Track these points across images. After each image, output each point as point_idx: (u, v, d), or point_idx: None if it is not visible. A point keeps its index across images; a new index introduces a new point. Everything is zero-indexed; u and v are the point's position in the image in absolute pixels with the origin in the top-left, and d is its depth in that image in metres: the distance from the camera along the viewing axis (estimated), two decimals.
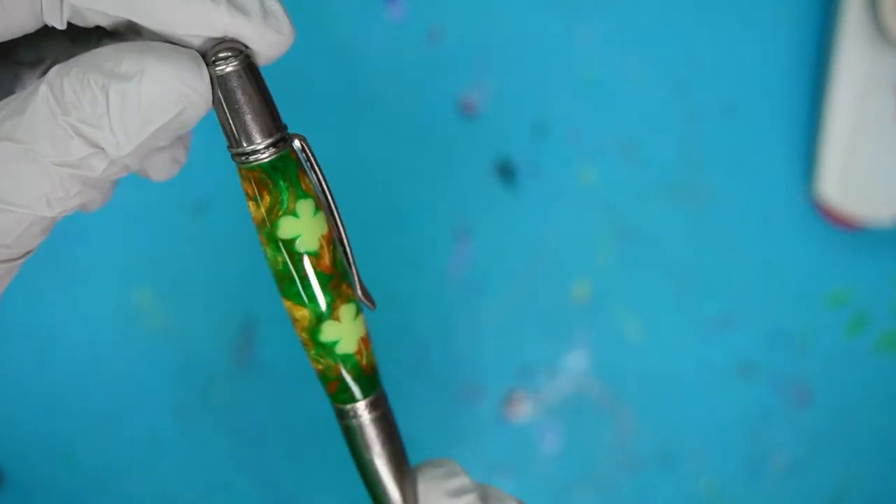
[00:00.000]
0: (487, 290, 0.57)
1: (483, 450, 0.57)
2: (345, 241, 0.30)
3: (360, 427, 0.32)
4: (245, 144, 0.27)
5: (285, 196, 0.27)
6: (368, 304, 0.31)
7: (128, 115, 0.24)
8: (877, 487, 0.58)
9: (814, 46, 0.58)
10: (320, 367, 0.30)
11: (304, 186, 0.28)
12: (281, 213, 0.28)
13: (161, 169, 0.31)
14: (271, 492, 0.56)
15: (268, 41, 0.26)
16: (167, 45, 0.25)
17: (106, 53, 0.25)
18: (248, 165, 0.27)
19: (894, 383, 0.58)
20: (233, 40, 0.26)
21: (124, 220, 0.55)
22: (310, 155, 0.29)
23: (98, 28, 0.27)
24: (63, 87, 0.24)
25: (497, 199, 0.57)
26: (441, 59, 0.57)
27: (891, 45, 0.55)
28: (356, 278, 0.30)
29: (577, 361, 0.58)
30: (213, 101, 0.26)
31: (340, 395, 0.31)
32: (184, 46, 0.26)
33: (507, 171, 0.57)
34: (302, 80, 0.56)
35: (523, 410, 0.57)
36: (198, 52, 0.26)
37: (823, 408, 0.58)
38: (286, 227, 0.28)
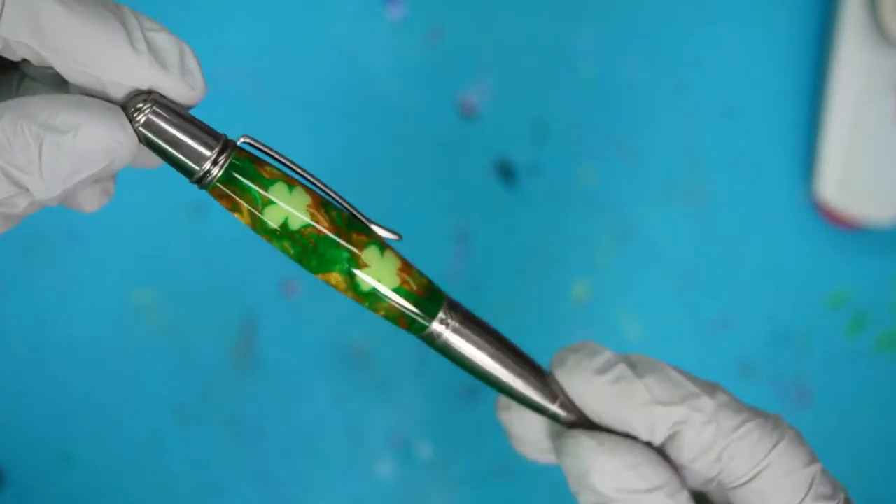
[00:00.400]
0: (487, 290, 0.57)
1: (482, 450, 0.57)
2: (334, 196, 0.30)
3: (447, 342, 0.31)
4: (196, 169, 0.28)
5: (254, 192, 0.28)
6: (392, 236, 0.31)
7: (59, 164, 0.26)
8: (877, 487, 0.58)
9: (814, 47, 0.58)
10: (381, 312, 0.30)
11: (267, 175, 0.29)
12: (260, 207, 0.29)
13: (91, 201, 0.32)
14: (271, 492, 0.56)
15: (181, 95, 0.28)
16: (97, 101, 0.27)
17: (40, 104, 0.26)
18: (210, 185, 0.28)
19: (894, 383, 0.58)
20: (147, 91, 0.27)
21: (124, 221, 0.55)
22: (259, 145, 0.30)
23: (19, 72, 0.29)
24: None
25: (497, 199, 0.57)
26: (441, 59, 0.57)
27: (890, 46, 0.55)
28: (364, 221, 0.30)
29: None
30: (147, 146, 0.28)
31: (414, 327, 0.31)
32: (102, 94, 0.27)
33: (507, 171, 0.57)
34: (302, 80, 0.56)
35: None
36: (119, 104, 0.27)
37: (823, 408, 0.58)
38: (272, 216, 0.29)
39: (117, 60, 0.26)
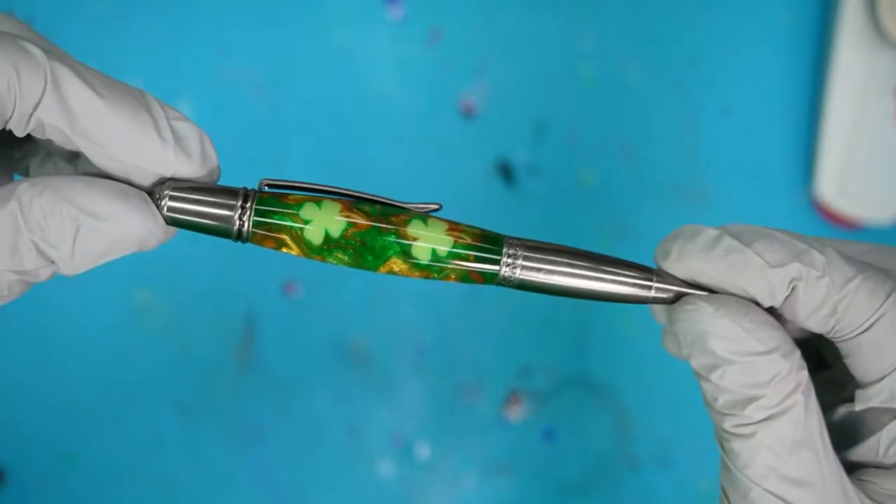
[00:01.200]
0: (487, 290, 0.57)
1: (483, 450, 0.57)
2: (363, 196, 0.31)
3: (524, 279, 0.32)
4: (230, 229, 0.30)
5: (288, 222, 0.30)
6: (431, 206, 0.32)
7: (92, 247, 0.28)
8: None
9: (812, 48, 0.58)
10: (453, 277, 0.31)
11: (292, 201, 0.30)
12: (299, 233, 0.30)
13: None
14: (271, 491, 0.56)
15: (200, 179, 0.30)
16: (134, 191, 0.28)
17: (80, 188, 0.27)
18: (248, 237, 0.30)
19: None
20: (170, 179, 0.29)
21: None
22: (279, 182, 0.31)
23: (34, 142, 0.31)
24: (33, 207, 0.27)
25: (497, 198, 0.57)
26: (441, 59, 0.57)
27: (889, 47, 0.55)
28: (399, 205, 0.32)
29: (576, 361, 0.58)
30: (177, 226, 0.30)
31: (486, 278, 0.32)
32: (125, 177, 0.29)
33: (507, 171, 0.57)
34: (302, 80, 0.56)
35: (523, 410, 0.58)
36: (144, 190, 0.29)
37: None
38: (313, 235, 0.30)
39: (146, 149, 0.28)
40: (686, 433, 0.58)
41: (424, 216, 0.31)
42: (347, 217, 0.30)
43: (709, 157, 0.58)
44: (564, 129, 0.57)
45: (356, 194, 0.31)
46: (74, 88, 0.27)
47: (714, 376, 0.30)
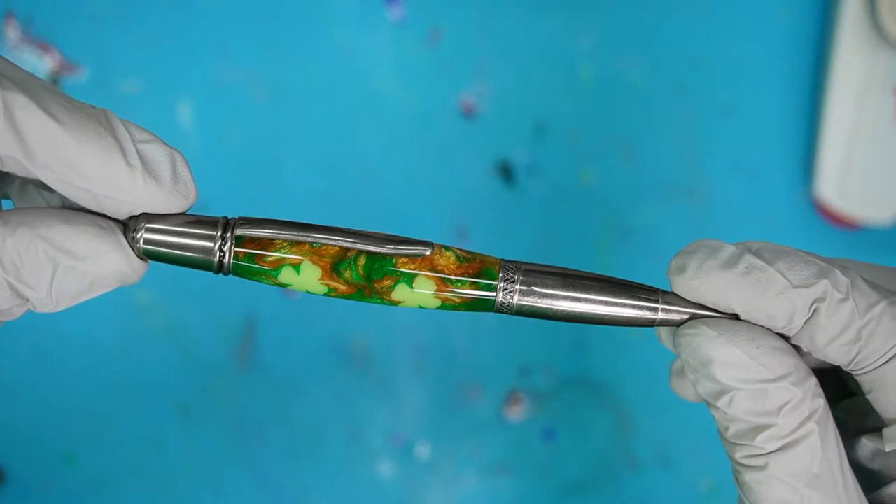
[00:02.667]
0: None
1: (483, 450, 0.57)
2: (345, 239, 0.29)
3: (521, 307, 0.30)
4: (214, 261, 0.29)
5: (267, 281, 0.29)
6: (421, 249, 0.30)
7: (70, 287, 0.26)
8: None
9: (812, 47, 0.58)
10: (458, 306, 0.30)
11: (270, 266, 0.29)
12: (282, 286, 0.29)
13: None
14: (271, 491, 0.56)
15: (174, 205, 0.28)
16: (114, 226, 0.27)
17: (56, 226, 0.26)
18: (230, 269, 0.29)
19: None
20: (144, 214, 0.28)
21: None
22: (254, 232, 0.29)
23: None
24: (6, 246, 0.26)
25: (497, 199, 0.57)
26: (441, 59, 0.57)
27: (889, 46, 0.55)
28: (389, 253, 0.29)
29: (576, 361, 0.58)
30: (155, 260, 0.28)
31: (480, 306, 0.30)
32: (96, 207, 0.27)
33: (507, 171, 0.57)
34: (303, 80, 0.56)
35: (523, 410, 0.58)
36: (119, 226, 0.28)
37: None
38: (295, 290, 0.30)
39: (112, 176, 0.26)
40: (686, 433, 0.58)
41: (411, 277, 0.29)
42: (327, 286, 0.29)
43: (709, 157, 0.58)
44: (564, 129, 0.57)
45: (339, 239, 0.29)
46: (30, 116, 0.25)
47: (721, 403, 0.28)
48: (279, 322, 0.56)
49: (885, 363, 0.28)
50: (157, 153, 0.27)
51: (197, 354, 0.56)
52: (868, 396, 0.29)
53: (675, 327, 0.30)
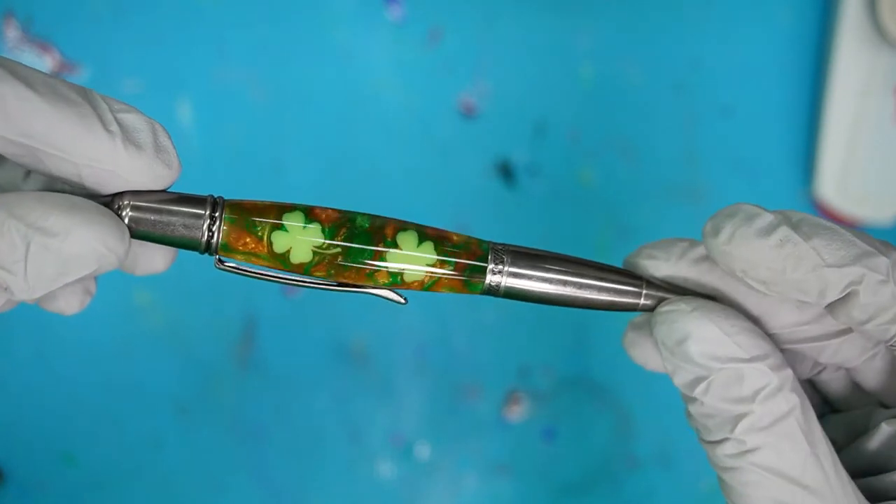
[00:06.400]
0: None
1: (483, 450, 0.57)
2: (323, 286, 0.30)
3: (509, 289, 0.30)
4: (202, 238, 0.28)
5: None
6: (396, 299, 0.30)
7: (45, 267, 0.25)
8: None
9: (813, 47, 0.58)
10: (447, 287, 0.30)
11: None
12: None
13: (72, 302, 0.31)
14: (271, 491, 0.56)
15: (156, 174, 0.27)
16: (91, 204, 0.26)
17: (29, 203, 0.25)
18: (219, 247, 0.28)
19: None
20: (131, 192, 0.27)
21: None
22: (234, 269, 0.29)
23: None
24: None
25: (497, 198, 0.57)
26: (441, 59, 0.57)
27: (889, 46, 0.55)
28: (363, 290, 0.30)
29: (576, 361, 0.58)
30: (143, 239, 0.27)
31: (471, 287, 0.30)
32: (77, 179, 0.26)
33: (507, 171, 0.57)
34: (303, 80, 0.56)
35: (523, 410, 0.58)
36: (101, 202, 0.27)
37: None
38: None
39: (91, 144, 0.26)
40: (686, 433, 0.58)
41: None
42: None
43: (709, 156, 0.58)
44: (564, 129, 0.57)
45: (312, 284, 0.29)
46: (7, 86, 0.25)
47: (698, 392, 0.28)
48: (279, 322, 0.56)
49: None
50: (137, 122, 0.27)
51: (197, 354, 0.56)
52: None
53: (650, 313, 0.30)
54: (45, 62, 0.54)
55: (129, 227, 0.27)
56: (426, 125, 0.57)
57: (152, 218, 0.27)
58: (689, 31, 0.58)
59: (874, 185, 0.57)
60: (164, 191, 0.28)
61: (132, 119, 0.27)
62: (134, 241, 0.28)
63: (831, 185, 0.56)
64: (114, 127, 0.26)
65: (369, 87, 0.57)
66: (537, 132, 0.57)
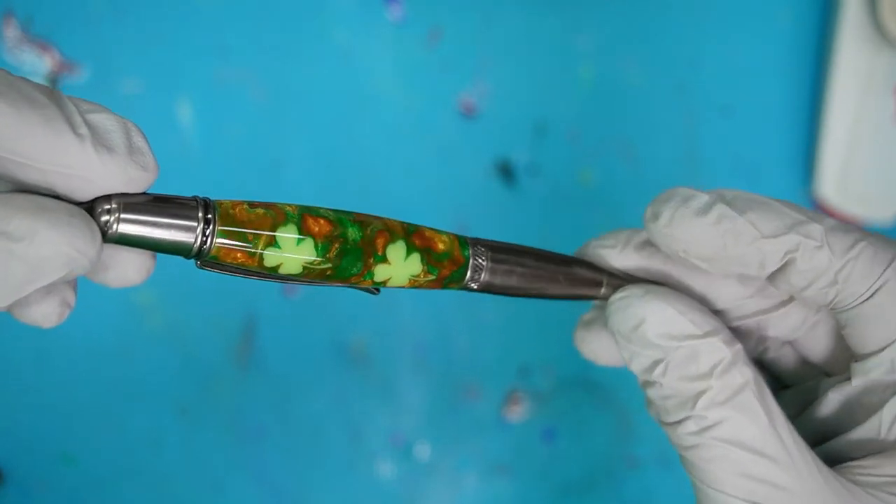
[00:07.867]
0: None
1: (483, 450, 0.57)
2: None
3: (487, 286, 0.31)
4: (193, 245, 0.26)
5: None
6: (370, 291, 0.31)
7: (10, 273, 0.23)
8: None
9: (813, 47, 0.58)
10: (434, 283, 0.30)
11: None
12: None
13: (49, 315, 0.28)
14: (271, 491, 0.56)
15: (130, 177, 0.25)
16: (59, 204, 0.24)
17: None
18: (211, 251, 0.27)
19: None
20: (108, 196, 0.25)
21: None
22: (218, 270, 0.28)
23: None
24: None
25: (497, 198, 0.57)
26: (441, 59, 0.57)
27: (889, 46, 0.55)
28: (350, 285, 0.30)
29: (576, 361, 0.58)
30: (130, 245, 0.26)
31: (448, 287, 0.31)
32: (47, 186, 0.25)
33: (507, 171, 0.57)
34: (303, 80, 0.56)
35: (523, 410, 0.58)
36: (85, 208, 0.25)
37: None
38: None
39: (59, 148, 0.24)
40: None
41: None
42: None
43: (709, 156, 0.58)
44: (564, 129, 0.57)
45: (291, 280, 0.29)
46: None
47: (656, 374, 0.29)
48: (279, 322, 0.56)
49: (861, 302, 0.29)
50: (108, 122, 0.25)
51: (197, 354, 0.56)
52: (843, 332, 0.30)
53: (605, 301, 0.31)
54: (44, 62, 0.54)
55: (118, 232, 0.25)
56: (426, 125, 0.57)
57: (141, 219, 0.25)
58: (689, 31, 0.58)
59: (874, 184, 0.57)
60: (152, 193, 0.26)
61: (103, 119, 0.25)
62: (106, 251, 0.26)
63: (831, 185, 0.56)
64: (83, 129, 0.24)
65: (369, 87, 0.57)
66: (537, 132, 0.57)
